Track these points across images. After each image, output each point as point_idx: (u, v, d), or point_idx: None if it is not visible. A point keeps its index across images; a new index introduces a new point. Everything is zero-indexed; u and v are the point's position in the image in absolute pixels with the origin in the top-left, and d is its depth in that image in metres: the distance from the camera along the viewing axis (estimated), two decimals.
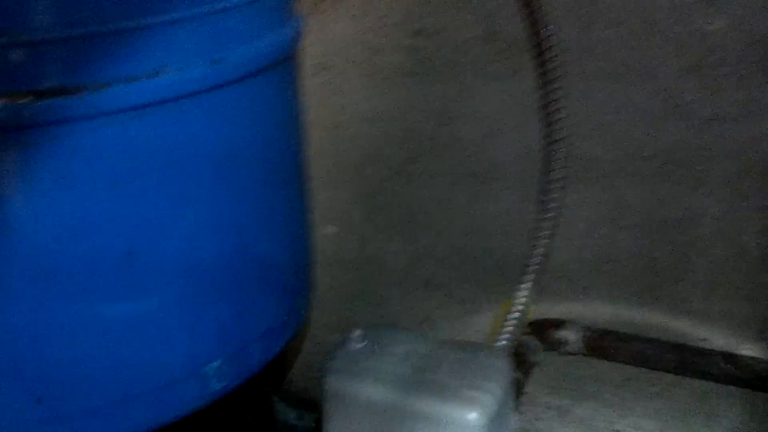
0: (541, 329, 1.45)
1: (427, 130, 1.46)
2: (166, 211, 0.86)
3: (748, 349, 1.33)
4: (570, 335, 1.42)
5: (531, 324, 1.45)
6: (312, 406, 1.42)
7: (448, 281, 1.50)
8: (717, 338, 1.36)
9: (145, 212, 0.84)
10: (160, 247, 0.86)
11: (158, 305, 0.89)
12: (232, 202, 0.92)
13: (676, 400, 1.44)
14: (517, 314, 1.26)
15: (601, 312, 1.43)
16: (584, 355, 1.42)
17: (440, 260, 1.50)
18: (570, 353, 1.43)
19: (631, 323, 1.41)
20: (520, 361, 1.33)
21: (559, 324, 1.45)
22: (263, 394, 1.27)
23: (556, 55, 1.22)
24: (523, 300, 1.28)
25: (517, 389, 1.27)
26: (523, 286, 1.28)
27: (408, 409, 0.85)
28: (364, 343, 0.93)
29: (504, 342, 1.17)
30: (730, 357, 1.30)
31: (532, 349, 1.39)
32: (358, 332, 0.92)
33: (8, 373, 0.84)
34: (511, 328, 1.24)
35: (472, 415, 0.83)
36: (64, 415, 0.87)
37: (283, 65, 0.99)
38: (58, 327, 0.83)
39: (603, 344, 1.39)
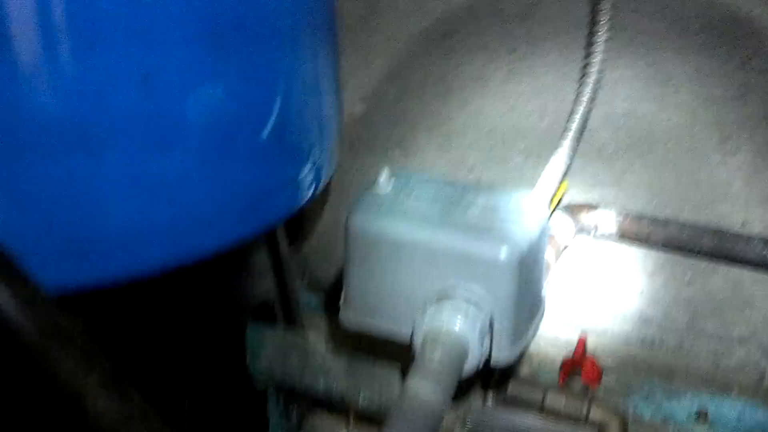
0: (574, 212, 1.41)
1: (466, 2, 1.40)
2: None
3: None
4: (603, 219, 1.39)
5: (565, 207, 1.41)
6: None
7: (478, 164, 1.45)
8: (756, 223, 1.31)
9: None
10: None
11: (177, 141, 0.85)
12: (256, 47, 0.88)
13: (710, 288, 1.40)
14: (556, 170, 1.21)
15: (637, 196, 1.38)
16: (617, 239, 1.38)
17: (471, 143, 1.46)
18: (602, 237, 1.39)
19: (667, 208, 1.36)
20: (551, 242, 1.30)
21: (592, 207, 1.41)
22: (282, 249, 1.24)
23: None
24: (557, 175, 1.23)
25: (546, 269, 1.23)
26: (557, 158, 1.24)
27: (435, 247, 0.81)
28: (391, 187, 0.89)
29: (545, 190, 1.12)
30: None
31: (563, 231, 1.35)
32: (385, 175, 0.89)
33: (37, 226, 0.82)
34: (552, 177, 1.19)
35: (503, 253, 0.79)
36: (74, 245, 0.86)
37: None
38: (74, 177, 0.80)
39: (637, 228, 1.35)
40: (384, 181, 0.88)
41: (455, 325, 0.77)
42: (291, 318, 1.28)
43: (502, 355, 0.82)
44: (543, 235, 0.84)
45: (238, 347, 1.13)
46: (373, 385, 1.07)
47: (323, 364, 1.11)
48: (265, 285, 1.21)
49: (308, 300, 1.51)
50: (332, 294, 1.43)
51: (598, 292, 1.51)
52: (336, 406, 1.35)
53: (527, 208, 0.84)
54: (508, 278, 0.79)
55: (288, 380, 1.12)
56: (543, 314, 0.90)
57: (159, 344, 1.04)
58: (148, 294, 1.00)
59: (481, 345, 0.78)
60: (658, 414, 1.35)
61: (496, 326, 0.80)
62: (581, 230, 1.38)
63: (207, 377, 1.11)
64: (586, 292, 1.51)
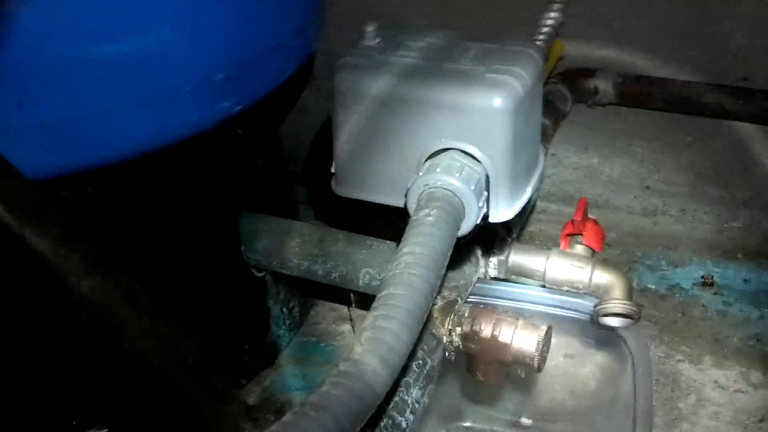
0: (572, 79, 1.37)
1: None
2: None
3: None
4: (601, 84, 1.35)
5: (561, 74, 1.37)
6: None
7: (471, 5, 1.39)
8: (758, 77, 1.26)
9: None
10: None
11: (154, 5, 0.81)
12: None
13: (712, 150, 1.37)
14: (549, 22, 1.16)
15: (637, 58, 1.33)
16: (616, 104, 1.34)
17: (469, 12, 1.40)
18: (601, 104, 1.35)
19: (668, 69, 1.32)
20: (549, 109, 1.26)
21: (590, 73, 1.37)
22: (270, 131, 1.20)
23: None
24: (552, 25, 1.18)
25: (545, 136, 1.20)
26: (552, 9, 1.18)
27: (427, 98, 0.77)
28: (379, 40, 0.85)
29: (540, 41, 1.07)
30: None
31: (560, 98, 1.31)
32: (371, 27, 0.84)
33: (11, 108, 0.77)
34: (546, 30, 1.14)
35: (497, 101, 0.75)
36: (47, 124, 0.81)
37: None
38: (38, 24, 0.75)
39: (636, 90, 1.31)
40: (370, 34, 0.83)
41: (450, 182, 0.73)
42: (287, 205, 1.25)
43: (499, 213, 0.79)
44: (538, 84, 0.80)
45: (232, 236, 1.10)
46: (372, 263, 1.04)
47: (320, 247, 1.08)
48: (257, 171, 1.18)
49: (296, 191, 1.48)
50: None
51: (598, 162, 1.48)
52: (336, 293, 1.33)
53: (521, 58, 0.80)
54: (503, 128, 0.75)
55: (285, 266, 1.10)
56: (541, 172, 0.86)
57: (152, 232, 1.01)
58: (141, 180, 0.96)
59: (478, 202, 0.75)
60: (663, 283, 1.34)
61: (492, 182, 0.77)
62: (580, 97, 1.33)
63: (203, 267, 1.09)
64: (585, 163, 1.48)
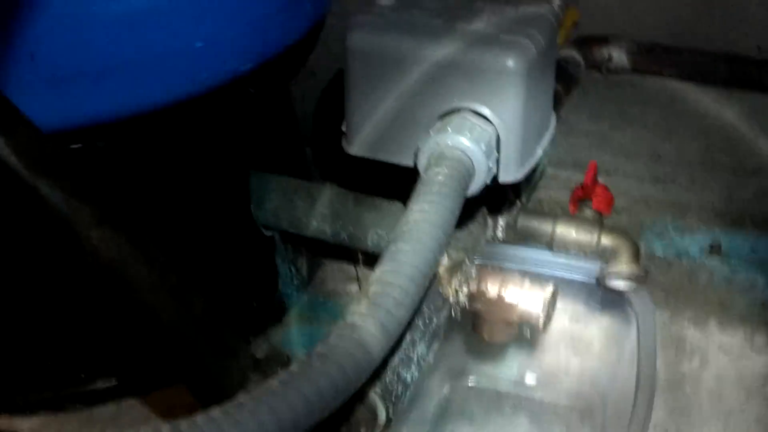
0: (586, 46, 1.36)
1: None
2: None
3: None
4: (615, 51, 1.34)
5: (575, 40, 1.36)
6: None
7: None
8: None
9: None
10: None
11: None
12: None
13: (725, 117, 1.36)
14: None
15: (651, 26, 1.32)
16: (630, 72, 1.33)
17: None
18: (614, 71, 1.34)
19: (681, 37, 1.31)
20: (562, 74, 1.25)
21: (604, 40, 1.36)
22: (282, 91, 1.20)
23: None
24: None
25: (557, 101, 1.19)
26: None
27: (440, 58, 0.77)
28: (393, 1, 0.85)
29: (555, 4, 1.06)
30: None
31: (574, 65, 1.31)
32: None
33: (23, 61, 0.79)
34: None
35: (510, 62, 0.75)
36: (59, 77, 0.82)
37: None
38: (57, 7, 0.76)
39: (650, 58, 1.31)
40: None
41: (460, 141, 0.74)
42: (297, 165, 1.25)
43: (509, 174, 0.79)
44: (552, 46, 0.80)
45: (242, 195, 1.11)
46: (381, 223, 1.05)
47: (330, 207, 1.09)
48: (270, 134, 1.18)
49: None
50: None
51: (610, 129, 1.48)
52: (344, 253, 1.33)
53: (536, 20, 0.80)
54: (515, 89, 0.75)
55: (294, 226, 1.10)
56: (552, 135, 0.86)
57: (163, 190, 1.02)
58: (153, 137, 0.97)
59: (488, 162, 0.75)
60: (670, 250, 1.34)
61: (503, 142, 0.77)
62: (593, 64, 1.33)
63: (212, 225, 1.10)
64: (597, 130, 1.48)
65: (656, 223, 1.42)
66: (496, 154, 0.77)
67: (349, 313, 0.59)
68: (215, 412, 0.49)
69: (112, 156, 0.95)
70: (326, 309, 1.26)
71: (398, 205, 1.04)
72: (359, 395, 0.76)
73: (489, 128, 0.76)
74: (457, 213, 0.70)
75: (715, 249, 1.36)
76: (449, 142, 0.74)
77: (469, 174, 0.73)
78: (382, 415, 0.78)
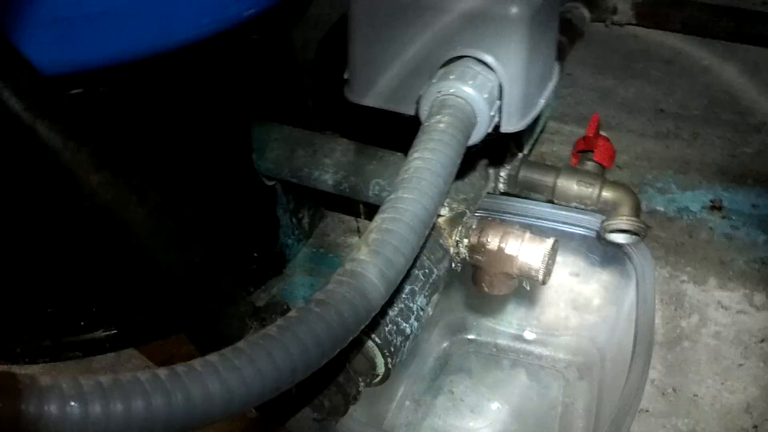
0: None
1: None
2: None
3: None
4: (620, 3, 1.33)
5: None
6: None
7: None
8: None
9: None
10: None
11: None
12: None
13: (728, 74, 1.36)
14: None
15: None
16: (634, 25, 1.32)
17: None
18: (619, 24, 1.33)
19: None
20: (566, 26, 1.24)
21: None
22: (285, 39, 1.19)
23: None
24: None
25: (560, 53, 1.18)
26: None
27: (442, 5, 0.77)
28: None
29: None
30: None
31: (578, 17, 1.29)
32: None
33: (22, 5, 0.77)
34: None
35: (513, 8, 0.74)
36: (60, 19, 0.81)
37: None
38: None
39: (655, 10, 1.29)
40: None
41: (463, 89, 0.73)
42: (299, 115, 1.24)
43: (511, 123, 0.79)
44: None
45: (244, 144, 1.10)
46: (383, 174, 1.04)
47: (332, 157, 1.08)
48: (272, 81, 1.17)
49: None
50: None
51: (614, 84, 1.47)
52: (346, 206, 1.33)
53: None
54: (518, 37, 0.75)
55: (296, 176, 1.10)
56: (555, 86, 0.86)
57: (163, 136, 1.02)
58: (154, 83, 0.96)
59: (490, 111, 0.74)
60: (671, 205, 1.34)
61: (505, 91, 0.77)
62: (598, 16, 1.32)
63: (213, 174, 1.09)
64: (600, 84, 1.47)
65: (658, 178, 1.41)
66: (499, 102, 0.77)
67: (348, 259, 0.59)
68: (213, 356, 0.49)
69: (113, 101, 0.94)
70: (327, 261, 1.26)
71: (400, 156, 1.04)
72: (358, 345, 0.76)
73: (492, 76, 0.75)
74: (458, 161, 0.70)
75: (716, 206, 1.36)
76: (451, 91, 0.73)
77: (471, 122, 0.73)
78: (380, 366, 0.78)
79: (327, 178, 1.07)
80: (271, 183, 1.17)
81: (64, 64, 0.81)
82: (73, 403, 0.41)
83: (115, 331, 1.09)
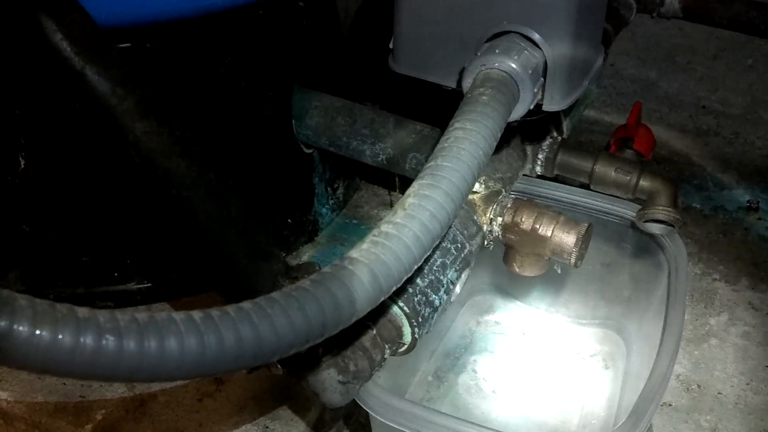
0: None
1: None
2: None
3: None
4: None
5: None
6: None
7: None
8: None
9: None
10: None
11: None
12: None
13: None
14: None
15: None
16: (681, 18, 1.31)
17: None
18: (665, 16, 1.32)
19: None
20: (613, 14, 1.23)
21: None
22: (330, 7, 1.19)
23: None
24: None
25: (606, 40, 1.18)
26: None
27: None
28: None
29: None
30: None
31: (625, 6, 1.29)
32: None
33: None
34: None
35: None
36: None
37: None
38: None
39: (702, 5, 1.28)
40: None
41: (507, 64, 0.73)
42: (341, 83, 1.24)
43: (553, 103, 0.79)
44: None
45: (285, 110, 1.11)
46: (421, 147, 1.05)
47: (371, 128, 1.09)
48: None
49: None
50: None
51: (656, 77, 1.46)
52: (381, 178, 1.33)
53: None
54: (566, 15, 0.75)
55: (334, 144, 1.10)
56: (599, 69, 0.86)
57: (206, 97, 1.03)
58: (201, 43, 0.97)
59: (533, 87, 0.74)
60: (708, 203, 1.33)
61: (550, 69, 0.77)
62: (644, 7, 1.31)
63: (252, 137, 1.10)
64: (643, 76, 1.46)
65: (696, 175, 1.41)
66: (542, 80, 0.77)
67: (384, 221, 0.60)
68: (246, 303, 0.49)
69: (160, 58, 0.95)
70: (359, 232, 1.27)
71: (438, 131, 1.04)
72: (386, 312, 0.77)
73: (537, 53, 0.76)
74: (498, 135, 0.70)
75: (752, 206, 1.35)
76: (496, 65, 0.73)
77: (513, 97, 0.73)
78: (407, 335, 0.79)
79: (365, 148, 1.08)
80: (309, 151, 1.17)
81: (114, 17, 0.82)
82: (109, 337, 0.42)
83: (148, 285, 1.11)
